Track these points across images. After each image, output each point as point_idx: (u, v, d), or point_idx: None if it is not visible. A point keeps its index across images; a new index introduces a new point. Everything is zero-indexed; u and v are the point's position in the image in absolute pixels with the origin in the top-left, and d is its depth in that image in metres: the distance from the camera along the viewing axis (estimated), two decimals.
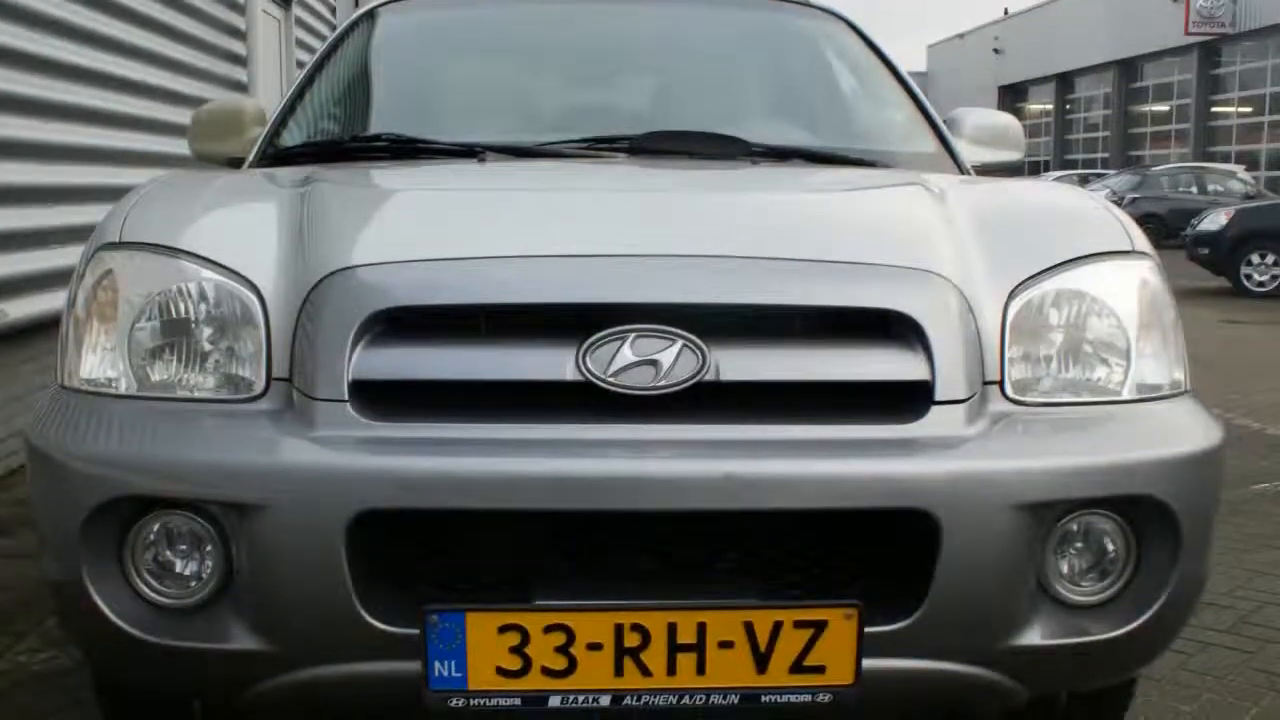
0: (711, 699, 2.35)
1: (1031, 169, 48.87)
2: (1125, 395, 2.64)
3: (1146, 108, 53.56)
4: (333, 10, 14.84)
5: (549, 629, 2.30)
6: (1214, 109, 48.60)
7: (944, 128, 4.16)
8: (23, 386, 6.49)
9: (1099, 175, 39.94)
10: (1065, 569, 2.53)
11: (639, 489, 2.33)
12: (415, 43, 4.59)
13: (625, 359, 2.39)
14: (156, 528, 2.43)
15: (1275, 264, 19.20)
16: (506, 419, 2.40)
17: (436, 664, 2.30)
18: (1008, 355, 2.57)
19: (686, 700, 2.35)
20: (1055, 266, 2.67)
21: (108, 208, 2.86)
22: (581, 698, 2.34)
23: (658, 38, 4.56)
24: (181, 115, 7.67)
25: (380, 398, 2.41)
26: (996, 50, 65.95)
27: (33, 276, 6.50)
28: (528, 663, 2.31)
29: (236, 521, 2.36)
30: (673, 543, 2.47)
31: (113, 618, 2.43)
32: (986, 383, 2.54)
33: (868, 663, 2.35)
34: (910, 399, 2.46)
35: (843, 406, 2.46)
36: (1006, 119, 4.38)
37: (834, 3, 4.77)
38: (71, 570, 2.42)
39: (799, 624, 2.33)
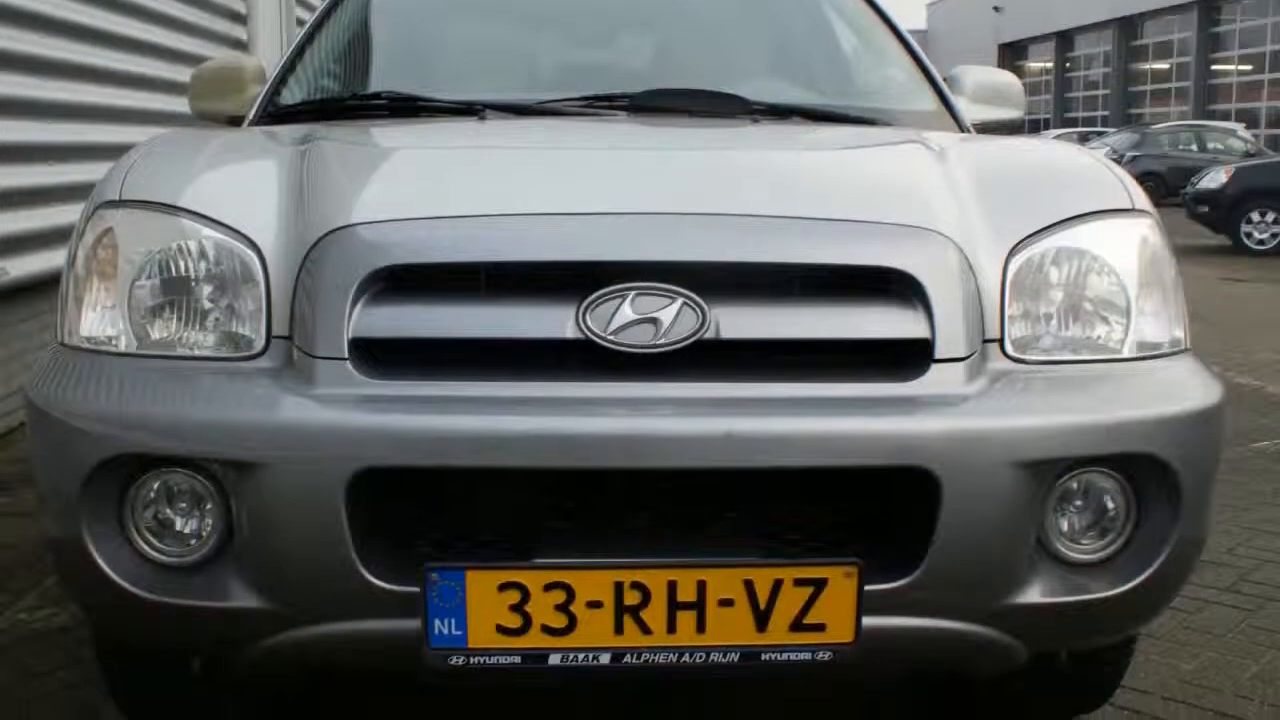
0: (711, 657, 2.35)
1: (1031, 127, 48.77)
2: (1125, 353, 2.64)
3: (1146, 65, 53.37)
4: None
5: (549, 587, 2.30)
6: (1214, 67, 48.44)
7: (944, 86, 4.15)
8: (23, 344, 6.49)
9: (1099, 133, 39.80)
10: (1065, 527, 2.53)
11: (639, 447, 2.32)
12: (416, 0, 4.57)
13: (625, 317, 2.38)
14: (156, 486, 2.43)
15: (1275, 222, 19.18)
16: (506, 377, 2.39)
17: (436, 622, 2.30)
18: (1008, 313, 2.57)
19: (686, 658, 2.35)
20: (1055, 224, 2.66)
21: (108, 166, 2.85)
22: (581, 656, 2.34)
23: None
24: (181, 73, 7.63)
25: (380, 356, 2.40)
26: (996, 8, 65.66)
27: (33, 234, 6.49)
28: (528, 621, 2.31)
29: (236, 479, 2.36)
30: (673, 501, 2.47)
31: (113, 576, 2.43)
32: (986, 341, 2.53)
33: (868, 621, 2.35)
34: (910, 357, 2.46)
35: (843, 364, 2.46)
36: (1007, 77, 4.37)
37: None
38: (71, 528, 2.42)
39: (799, 582, 2.33)
